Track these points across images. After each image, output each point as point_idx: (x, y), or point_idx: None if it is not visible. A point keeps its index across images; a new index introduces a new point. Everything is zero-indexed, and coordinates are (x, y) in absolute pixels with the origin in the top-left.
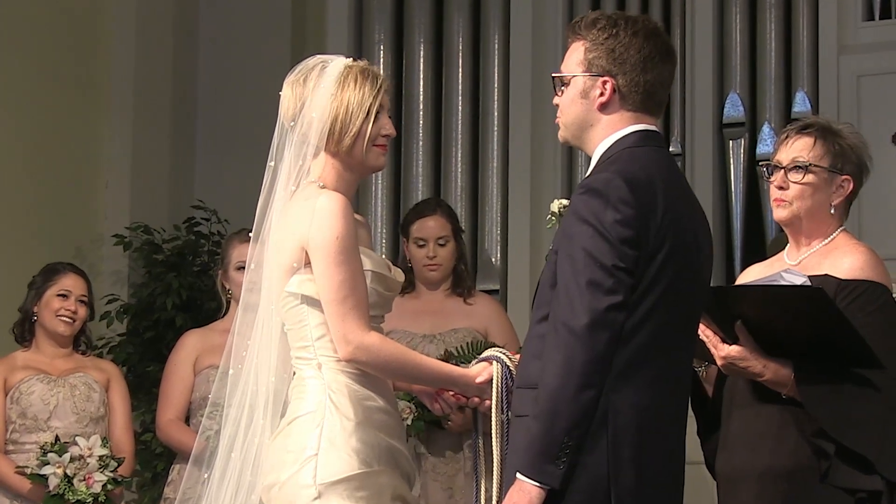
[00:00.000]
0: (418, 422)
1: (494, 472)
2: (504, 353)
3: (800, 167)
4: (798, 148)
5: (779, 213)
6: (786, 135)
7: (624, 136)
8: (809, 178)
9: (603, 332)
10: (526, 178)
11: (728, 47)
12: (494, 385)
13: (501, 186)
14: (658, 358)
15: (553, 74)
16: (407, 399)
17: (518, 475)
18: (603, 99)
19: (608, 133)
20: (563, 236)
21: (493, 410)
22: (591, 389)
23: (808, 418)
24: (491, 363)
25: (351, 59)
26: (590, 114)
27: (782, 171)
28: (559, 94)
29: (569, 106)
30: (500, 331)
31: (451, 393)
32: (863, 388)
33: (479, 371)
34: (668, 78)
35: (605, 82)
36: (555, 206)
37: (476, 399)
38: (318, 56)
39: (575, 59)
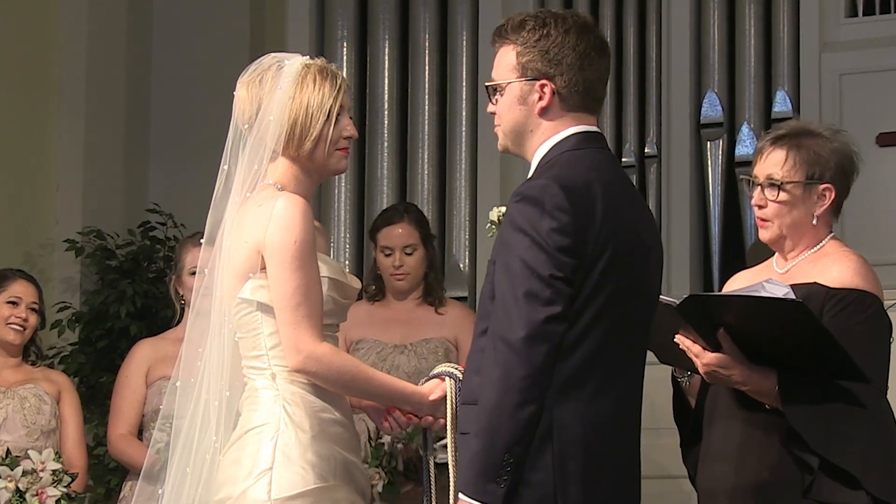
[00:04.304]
0: (393, 487)
1: (451, 491)
2: (457, 369)
3: (773, 185)
4: (772, 163)
5: (762, 235)
6: (762, 146)
7: (563, 140)
8: (784, 196)
9: (541, 345)
10: (495, 180)
11: (706, 45)
12: (448, 402)
13: (470, 189)
14: (604, 368)
15: (486, 84)
16: (375, 465)
17: (461, 495)
18: (543, 103)
19: (547, 137)
20: (499, 246)
21: (448, 429)
22: (530, 404)
23: (791, 431)
24: (443, 380)
25: (308, 57)
26: (530, 119)
27: (759, 187)
28: (494, 102)
29: (506, 113)
30: (471, 340)
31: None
32: (847, 401)
33: (431, 388)
34: (605, 73)
35: (542, 86)
36: (493, 214)
37: (429, 417)
38: (274, 54)
39: (507, 64)
